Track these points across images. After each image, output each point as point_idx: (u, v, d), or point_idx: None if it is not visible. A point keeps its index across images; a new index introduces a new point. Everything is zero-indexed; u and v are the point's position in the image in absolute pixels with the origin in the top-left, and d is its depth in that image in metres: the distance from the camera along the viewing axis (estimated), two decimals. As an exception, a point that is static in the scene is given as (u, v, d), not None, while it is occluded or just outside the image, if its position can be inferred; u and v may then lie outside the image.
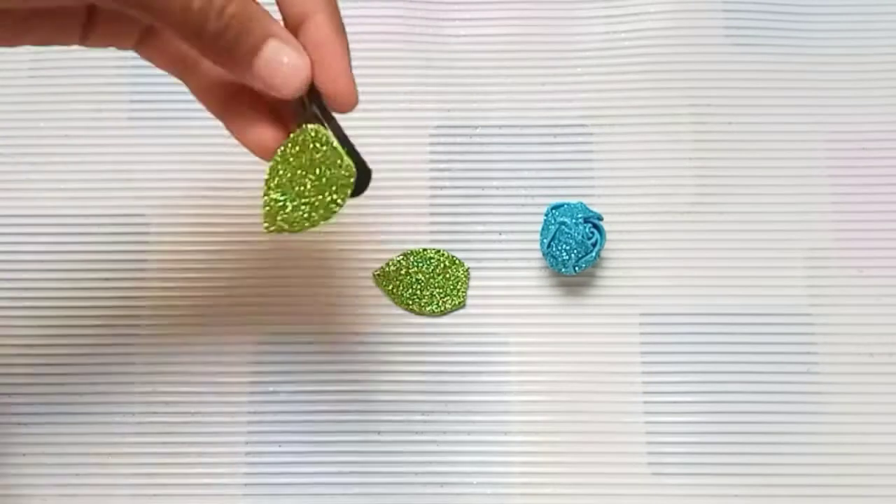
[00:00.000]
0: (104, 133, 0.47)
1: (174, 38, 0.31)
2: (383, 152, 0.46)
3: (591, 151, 0.46)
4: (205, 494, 0.41)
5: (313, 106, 0.31)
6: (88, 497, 0.41)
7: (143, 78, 0.47)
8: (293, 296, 0.44)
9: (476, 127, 0.46)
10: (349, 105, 0.32)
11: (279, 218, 0.32)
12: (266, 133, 0.32)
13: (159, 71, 0.47)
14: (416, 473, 0.42)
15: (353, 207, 0.46)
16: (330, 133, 0.31)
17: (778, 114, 0.46)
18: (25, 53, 0.48)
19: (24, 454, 0.42)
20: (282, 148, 0.32)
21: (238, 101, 0.33)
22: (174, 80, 0.47)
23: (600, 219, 0.43)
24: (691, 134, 0.46)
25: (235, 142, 0.46)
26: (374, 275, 0.44)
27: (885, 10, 0.48)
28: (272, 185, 0.32)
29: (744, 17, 0.48)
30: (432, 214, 0.45)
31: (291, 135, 0.32)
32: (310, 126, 0.31)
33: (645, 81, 0.47)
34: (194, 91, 0.34)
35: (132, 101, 0.47)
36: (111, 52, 0.48)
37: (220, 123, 0.47)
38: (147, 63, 0.47)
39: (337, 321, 0.44)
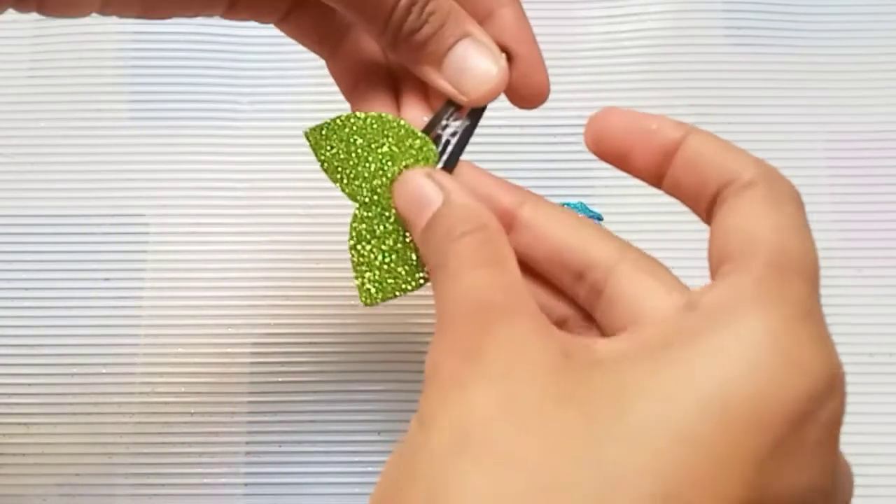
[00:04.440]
0: (104, 133, 0.47)
1: (322, 18, 0.30)
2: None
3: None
4: (205, 494, 0.41)
5: (453, 120, 0.29)
6: (88, 497, 0.41)
7: (143, 78, 0.47)
8: (293, 296, 0.44)
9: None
10: (542, 100, 0.30)
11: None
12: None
13: (159, 71, 0.48)
14: (416, 473, 0.42)
15: (352, 207, 0.46)
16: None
17: (778, 114, 0.46)
18: (25, 53, 0.48)
19: (24, 454, 0.42)
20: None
21: (367, 84, 0.31)
22: (174, 80, 0.48)
23: (600, 219, 0.43)
24: (691, 134, 0.46)
25: (235, 142, 0.47)
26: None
27: (884, 10, 0.48)
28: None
29: (744, 17, 0.48)
30: (432, 214, 0.45)
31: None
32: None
33: (645, 81, 0.47)
34: (330, 69, 0.32)
35: (132, 101, 0.47)
36: (111, 52, 0.48)
37: (217, 124, 0.47)
38: (147, 63, 0.48)
39: (337, 321, 0.44)
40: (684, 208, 0.45)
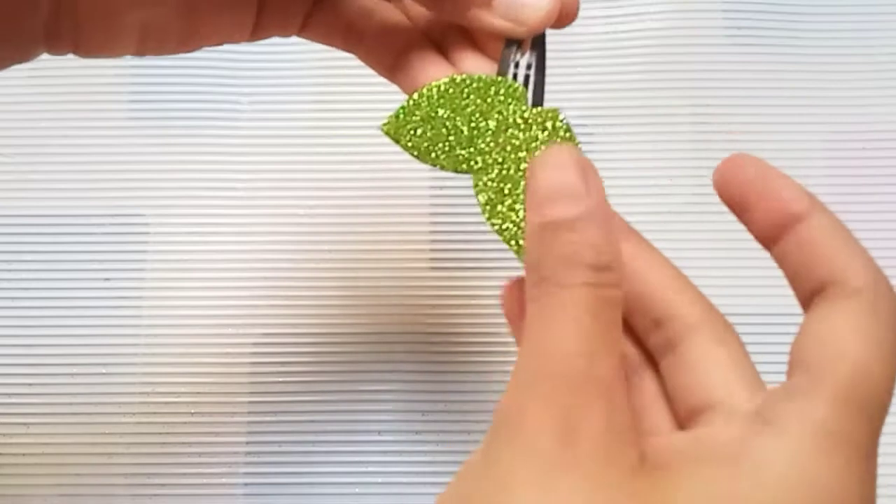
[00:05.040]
0: (104, 133, 0.47)
1: (344, 13, 0.30)
2: (384, 152, 0.46)
3: (591, 151, 0.46)
4: (205, 494, 0.41)
5: (520, 56, 0.29)
6: (88, 497, 0.41)
7: (143, 78, 0.47)
8: (293, 296, 0.44)
9: (476, 127, 0.46)
10: (573, 19, 0.30)
11: (409, 133, 0.29)
12: (443, 72, 0.30)
13: (159, 71, 0.48)
14: (416, 473, 0.42)
15: (352, 208, 0.46)
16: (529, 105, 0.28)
17: (777, 114, 0.46)
18: (25, 53, 0.48)
19: (24, 454, 0.42)
20: (454, 79, 0.28)
21: (408, 53, 0.30)
22: (174, 80, 0.48)
23: (600, 219, 0.43)
24: (691, 134, 0.46)
25: (237, 142, 0.47)
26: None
27: (884, 10, 0.48)
28: (424, 99, 0.29)
29: (744, 17, 0.48)
30: (433, 214, 0.45)
31: (477, 75, 0.29)
32: (510, 81, 0.28)
33: (645, 81, 0.47)
34: (362, 57, 0.32)
35: (132, 101, 0.47)
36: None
37: (217, 124, 0.47)
38: (147, 63, 0.48)
39: (337, 321, 0.44)
40: (684, 208, 0.45)
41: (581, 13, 0.48)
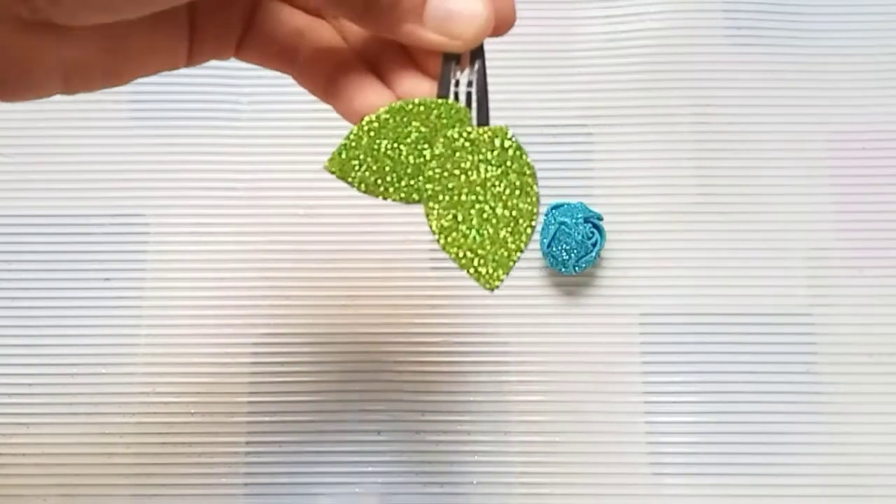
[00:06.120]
0: (104, 133, 0.47)
1: (283, 28, 0.30)
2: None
3: (591, 151, 0.46)
4: (205, 494, 0.41)
5: (460, 73, 0.28)
6: (88, 497, 0.41)
7: (144, 78, 0.47)
8: (293, 296, 0.44)
9: (476, 127, 0.46)
10: (511, 25, 0.28)
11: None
12: (379, 96, 0.28)
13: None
14: (416, 473, 0.42)
15: (352, 208, 0.46)
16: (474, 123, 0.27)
17: (778, 114, 0.46)
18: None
19: (24, 454, 0.42)
20: (396, 106, 0.27)
21: (342, 75, 0.30)
22: (174, 80, 0.48)
23: (600, 219, 0.43)
24: (691, 134, 0.46)
25: (235, 142, 0.47)
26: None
27: (885, 10, 0.48)
28: (367, 130, 0.28)
29: (744, 17, 0.48)
30: (432, 214, 0.45)
31: (415, 100, 0.27)
32: (452, 102, 0.27)
33: (645, 81, 0.47)
34: (297, 78, 0.31)
35: (132, 101, 0.47)
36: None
37: (217, 124, 0.47)
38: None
39: (337, 321, 0.44)
40: (684, 209, 0.45)
41: (581, 13, 0.49)
